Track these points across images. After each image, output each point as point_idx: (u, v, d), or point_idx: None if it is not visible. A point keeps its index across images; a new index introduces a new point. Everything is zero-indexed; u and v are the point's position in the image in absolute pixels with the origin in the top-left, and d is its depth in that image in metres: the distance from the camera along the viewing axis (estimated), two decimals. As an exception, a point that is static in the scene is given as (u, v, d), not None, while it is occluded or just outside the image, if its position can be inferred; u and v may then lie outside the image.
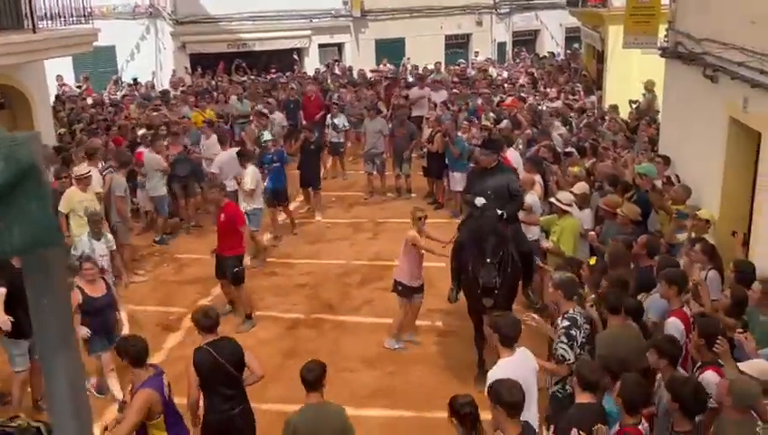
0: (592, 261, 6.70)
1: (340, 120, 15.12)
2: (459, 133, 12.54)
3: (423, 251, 7.87)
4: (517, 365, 4.84)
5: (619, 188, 8.32)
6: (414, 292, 8.06)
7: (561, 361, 5.42)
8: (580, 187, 8.52)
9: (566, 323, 5.49)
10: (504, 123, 12.51)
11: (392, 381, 7.54)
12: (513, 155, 10.64)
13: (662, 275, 5.68)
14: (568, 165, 9.79)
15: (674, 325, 5.38)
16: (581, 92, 15.82)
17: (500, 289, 6.67)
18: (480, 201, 6.95)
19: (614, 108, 13.37)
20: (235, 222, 8.68)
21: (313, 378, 4.92)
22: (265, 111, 14.24)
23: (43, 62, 12.63)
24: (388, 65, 22.26)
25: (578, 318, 5.53)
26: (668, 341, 4.92)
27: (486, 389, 4.40)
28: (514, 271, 6.98)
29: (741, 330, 5.24)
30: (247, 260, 9.16)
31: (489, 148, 7.65)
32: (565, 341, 5.41)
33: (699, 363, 4.91)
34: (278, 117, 15.37)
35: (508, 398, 4.10)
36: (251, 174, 10.24)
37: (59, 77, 17.91)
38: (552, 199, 8.13)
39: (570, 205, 7.88)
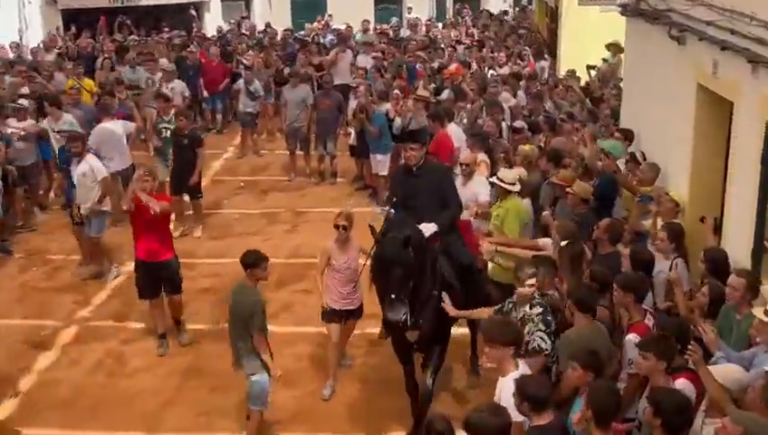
0: (563, 243, 6.82)
1: (255, 86, 14.96)
2: (388, 106, 12.54)
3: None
4: None
5: (576, 167, 8.52)
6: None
7: (538, 351, 5.53)
8: (517, 172, 8.59)
9: (539, 308, 5.67)
10: (446, 94, 12.60)
11: (314, 401, 7.52)
12: (455, 130, 10.73)
13: (617, 280, 5.79)
14: (518, 142, 9.95)
15: (631, 343, 5.44)
16: (530, 56, 16.09)
17: (423, 324, 6.41)
18: (392, 214, 6.62)
19: (572, 74, 13.65)
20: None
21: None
22: (168, 93, 13.57)
23: None
24: (321, 22, 22.06)
25: (546, 304, 5.76)
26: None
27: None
28: (443, 298, 6.46)
29: (702, 320, 5.44)
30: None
31: (415, 139, 7.04)
32: (543, 328, 5.58)
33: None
34: (178, 86, 15.01)
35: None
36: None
37: None
38: (494, 179, 8.17)
39: (513, 184, 7.96)
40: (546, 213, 8.06)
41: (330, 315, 7.61)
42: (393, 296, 6.03)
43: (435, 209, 6.71)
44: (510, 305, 5.95)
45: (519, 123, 10.59)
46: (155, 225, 8.13)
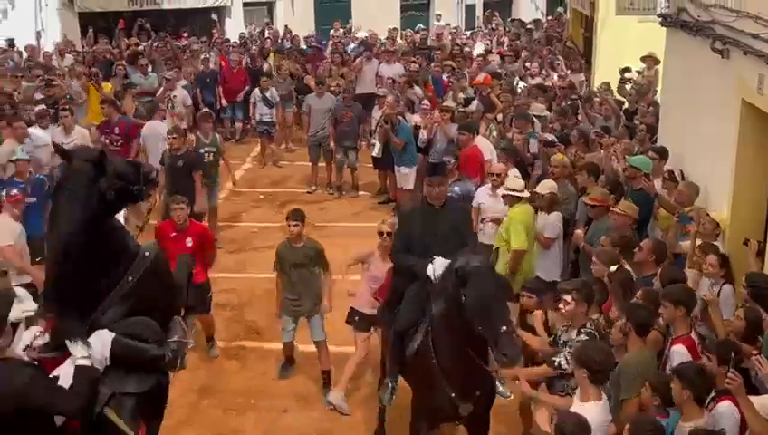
0: (614, 268, 6.80)
1: (272, 93, 15.05)
2: (415, 118, 12.58)
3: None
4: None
5: (605, 183, 8.50)
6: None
7: (555, 367, 5.73)
8: (548, 185, 8.63)
9: (584, 337, 5.74)
10: (475, 105, 12.58)
11: (332, 423, 7.50)
12: (483, 143, 10.71)
13: (666, 294, 5.79)
14: (548, 155, 9.92)
15: (678, 354, 5.49)
16: (563, 66, 16.06)
17: (481, 396, 5.79)
18: (436, 266, 5.86)
19: (607, 86, 13.60)
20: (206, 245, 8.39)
21: None
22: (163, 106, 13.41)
23: None
24: (341, 30, 22.21)
25: (594, 334, 5.81)
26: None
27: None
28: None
29: (755, 352, 5.37)
30: None
31: (441, 173, 6.58)
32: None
33: (713, 394, 5.01)
34: (179, 94, 14.90)
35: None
36: None
37: None
38: (502, 190, 8.48)
39: (522, 191, 8.28)
40: (579, 232, 8.04)
41: (359, 322, 7.65)
42: (505, 330, 5.08)
43: (454, 251, 5.91)
44: (563, 329, 6.01)
45: (549, 136, 10.54)
46: (189, 251, 7.75)
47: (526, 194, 8.35)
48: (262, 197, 13.78)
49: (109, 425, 4.52)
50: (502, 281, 5.67)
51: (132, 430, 4.60)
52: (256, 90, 15.37)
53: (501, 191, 8.67)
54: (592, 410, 5.02)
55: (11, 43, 18.57)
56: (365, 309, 7.62)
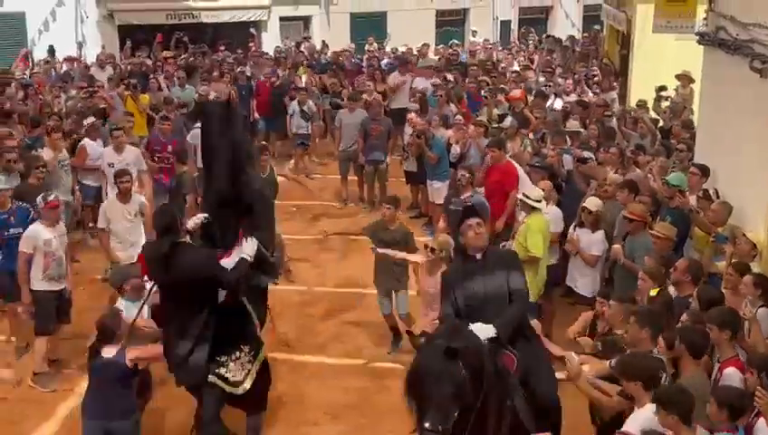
0: (654, 292, 6.78)
1: (309, 107, 15.18)
2: (446, 132, 12.60)
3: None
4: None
5: (647, 201, 8.45)
6: None
7: (628, 398, 5.58)
8: (594, 203, 8.63)
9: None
10: (509, 121, 12.57)
11: (362, 436, 7.50)
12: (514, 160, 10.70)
13: (711, 317, 5.76)
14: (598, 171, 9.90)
15: (732, 377, 5.46)
16: (598, 82, 16.01)
17: None
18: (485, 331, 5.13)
19: (643, 104, 13.52)
20: None
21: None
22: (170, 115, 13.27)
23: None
24: (375, 44, 22.35)
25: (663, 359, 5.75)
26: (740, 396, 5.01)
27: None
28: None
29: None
30: None
31: (479, 214, 5.88)
32: None
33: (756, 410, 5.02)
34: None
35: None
36: None
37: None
38: (520, 196, 8.58)
39: (539, 201, 8.38)
40: (617, 246, 8.03)
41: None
42: (428, 426, 4.43)
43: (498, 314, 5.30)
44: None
45: (586, 154, 10.48)
46: None
47: (542, 205, 8.46)
48: (294, 209, 13.84)
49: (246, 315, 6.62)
50: (435, 370, 4.55)
51: (260, 311, 6.83)
52: (294, 103, 15.50)
53: (548, 207, 8.75)
54: (649, 410, 5.04)
55: (51, 50, 18.93)
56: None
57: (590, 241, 8.52)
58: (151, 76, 16.64)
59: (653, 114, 13.53)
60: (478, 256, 5.64)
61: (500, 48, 23.16)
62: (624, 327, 6.29)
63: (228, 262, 6.30)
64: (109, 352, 6.21)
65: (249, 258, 6.32)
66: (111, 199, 9.80)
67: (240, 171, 6.58)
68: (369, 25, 24.72)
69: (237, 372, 6.47)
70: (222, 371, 6.42)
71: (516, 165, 10.35)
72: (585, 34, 24.86)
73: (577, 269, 8.72)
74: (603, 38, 21.83)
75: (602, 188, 9.23)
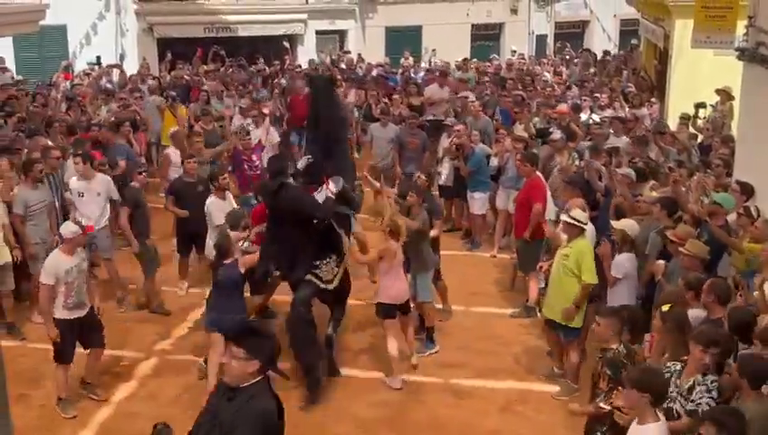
0: (666, 307, 6.69)
1: None
2: (481, 146, 12.60)
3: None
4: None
5: (689, 220, 8.30)
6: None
7: (701, 417, 5.48)
8: (626, 224, 8.51)
9: (712, 376, 5.67)
10: (558, 135, 12.52)
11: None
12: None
13: (760, 336, 5.66)
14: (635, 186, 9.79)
15: None
16: (634, 96, 15.88)
17: None
18: None
19: (687, 118, 13.39)
20: None
21: None
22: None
23: (-24, 42, 12.78)
24: (410, 59, 22.41)
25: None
26: None
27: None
28: None
29: None
30: None
31: None
32: (715, 396, 5.58)
33: None
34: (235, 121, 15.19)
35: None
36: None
37: (0, 61, 18.06)
38: (565, 217, 8.24)
39: (585, 223, 8.17)
40: (660, 262, 7.89)
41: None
42: None
43: None
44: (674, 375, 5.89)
45: (625, 170, 10.35)
46: None
47: (588, 227, 8.35)
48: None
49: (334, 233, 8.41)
50: None
51: (346, 229, 8.72)
52: None
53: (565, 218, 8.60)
54: (655, 431, 5.03)
55: (98, 60, 19.25)
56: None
57: (614, 262, 8.38)
58: (198, 88, 16.88)
59: (692, 130, 13.39)
60: None
61: (536, 63, 23.10)
62: (616, 342, 6.27)
63: (319, 196, 8.22)
64: (228, 260, 8.06)
65: (333, 194, 8.20)
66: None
67: (333, 130, 8.80)
68: (404, 39, 24.79)
69: (328, 273, 8.33)
70: (316, 271, 8.27)
71: (543, 179, 10.35)
72: (623, 50, 24.72)
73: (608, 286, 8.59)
74: (640, 53, 21.69)
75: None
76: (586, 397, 6.85)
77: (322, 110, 8.85)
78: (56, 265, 7.84)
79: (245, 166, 12.25)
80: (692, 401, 5.60)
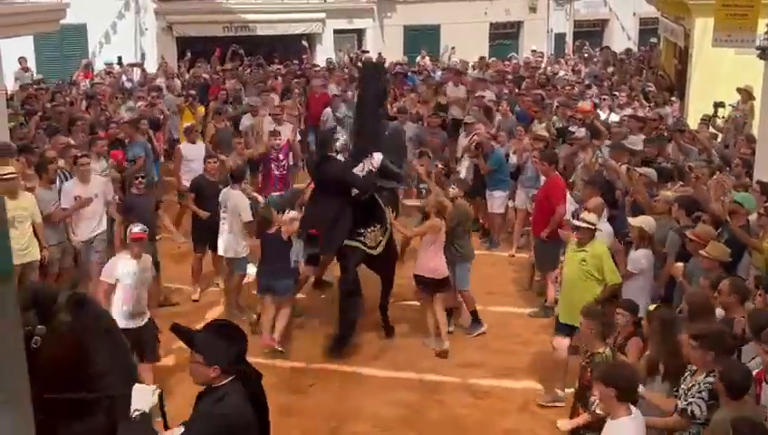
0: (652, 307, 6.66)
1: (343, 111, 15.35)
2: (498, 146, 12.57)
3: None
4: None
5: (709, 220, 8.21)
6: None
7: (689, 416, 5.54)
8: (641, 220, 8.43)
9: (712, 377, 5.60)
10: (582, 132, 12.47)
11: (412, 450, 7.47)
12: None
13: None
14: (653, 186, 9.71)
15: None
16: (654, 95, 15.78)
17: None
18: None
19: (708, 118, 13.28)
20: None
21: None
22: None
23: (-3, 41, 12.85)
24: (426, 58, 22.39)
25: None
26: None
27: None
28: None
29: None
30: None
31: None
32: (706, 397, 5.54)
33: None
34: (266, 121, 15.05)
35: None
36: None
37: (22, 59, 18.19)
38: (576, 222, 8.13)
39: (596, 225, 8.05)
40: (679, 265, 7.82)
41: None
42: None
43: None
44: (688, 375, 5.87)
45: (645, 169, 10.27)
46: None
47: (599, 230, 8.19)
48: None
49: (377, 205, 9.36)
50: None
51: (392, 202, 9.89)
52: (327, 110, 15.75)
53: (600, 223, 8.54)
54: (625, 425, 5.08)
55: (119, 60, 19.38)
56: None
57: (630, 257, 8.32)
58: (218, 86, 16.90)
59: (712, 130, 13.29)
60: None
61: (554, 61, 23.02)
62: (601, 345, 6.25)
63: (359, 171, 9.01)
64: (271, 229, 8.98)
65: (374, 168, 9.03)
66: None
67: (376, 110, 9.98)
68: (422, 38, 24.78)
69: (372, 241, 9.18)
70: (361, 238, 9.11)
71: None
72: (642, 48, 24.59)
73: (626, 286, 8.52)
74: (659, 51, 21.57)
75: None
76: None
77: (369, 91, 9.89)
78: (116, 265, 7.68)
79: (273, 165, 12.25)
80: (686, 401, 5.62)
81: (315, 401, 8.23)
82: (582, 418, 6.27)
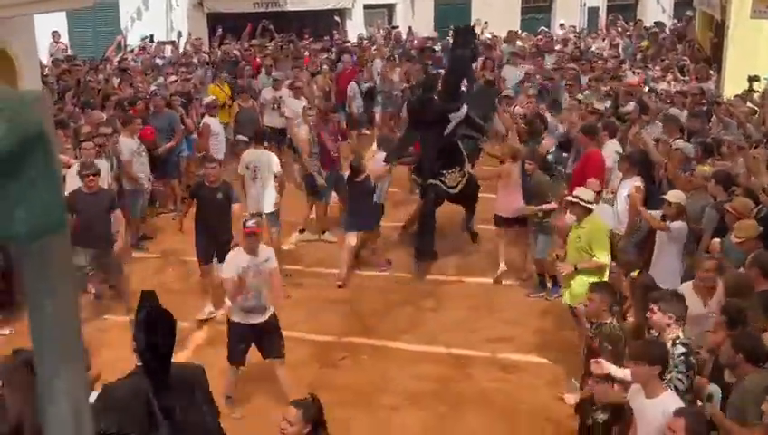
0: (635, 273, 6.68)
1: (366, 86, 15.78)
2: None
3: None
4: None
5: (742, 193, 8.11)
6: None
7: (673, 389, 5.51)
8: (675, 195, 8.35)
9: (682, 348, 5.59)
10: (632, 106, 12.32)
11: (443, 424, 7.51)
12: (611, 148, 10.40)
13: None
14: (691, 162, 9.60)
15: None
16: (691, 71, 15.53)
17: None
18: None
19: (746, 93, 13.04)
20: None
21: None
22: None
23: (32, 17, 12.94)
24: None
25: (689, 343, 5.68)
26: None
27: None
28: None
29: None
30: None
31: None
32: (684, 370, 5.53)
33: None
34: (285, 94, 14.80)
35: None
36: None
37: (55, 33, 18.34)
38: (570, 198, 8.08)
39: (591, 202, 8.00)
40: (716, 241, 7.75)
41: None
42: None
43: None
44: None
45: (681, 144, 10.12)
46: None
47: (593, 206, 8.09)
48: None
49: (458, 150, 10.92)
50: None
51: (469, 148, 11.35)
52: (353, 84, 15.88)
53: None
54: (671, 400, 5.03)
55: (151, 38, 19.51)
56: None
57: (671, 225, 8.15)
58: (243, 63, 16.91)
59: (749, 105, 13.08)
60: None
61: (587, 36, 22.77)
62: (608, 316, 6.27)
63: (453, 117, 10.44)
64: (360, 177, 10.24)
65: (461, 117, 10.46)
66: None
67: (467, 68, 11.61)
68: (453, 13, 24.59)
69: (452, 180, 10.63)
70: (441, 178, 10.55)
71: (607, 155, 10.16)
72: (676, 21, 24.22)
73: (654, 261, 8.46)
74: (694, 25, 21.24)
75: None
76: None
77: (461, 52, 11.34)
78: (234, 260, 7.43)
79: (330, 148, 11.92)
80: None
81: (345, 375, 8.30)
82: (588, 390, 6.24)
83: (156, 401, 4.30)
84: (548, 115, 12.44)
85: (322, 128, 11.79)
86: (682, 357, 5.52)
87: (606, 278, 7.78)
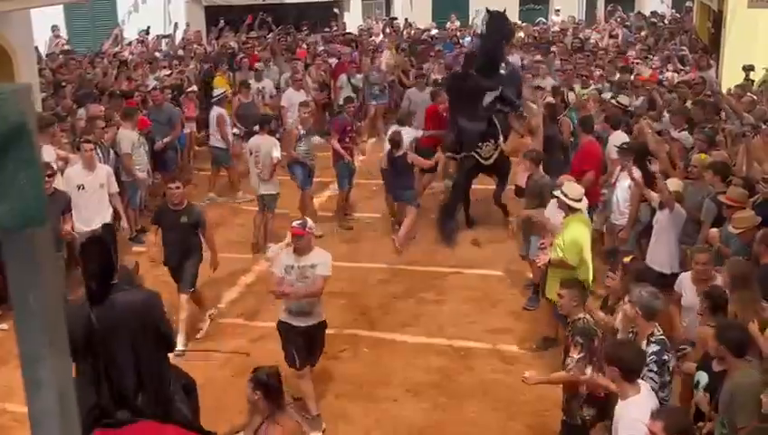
0: (628, 259, 6.64)
1: (357, 81, 15.64)
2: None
3: None
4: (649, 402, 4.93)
5: (739, 182, 8.07)
6: None
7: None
8: (673, 183, 8.33)
9: (655, 347, 5.54)
10: (641, 101, 12.26)
11: (443, 416, 7.49)
12: (618, 138, 10.31)
13: None
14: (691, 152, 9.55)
15: None
16: (690, 60, 15.48)
17: None
18: None
19: (743, 86, 13.01)
20: None
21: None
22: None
23: (29, 11, 12.90)
24: (456, 23, 22.24)
25: (666, 341, 5.64)
26: None
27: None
28: None
29: None
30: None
31: None
32: (655, 369, 5.47)
33: None
34: (267, 86, 15.32)
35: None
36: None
37: (55, 28, 18.29)
38: (557, 193, 7.87)
39: (579, 200, 7.75)
40: (714, 231, 7.73)
41: None
42: None
43: None
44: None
45: (680, 134, 10.10)
46: None
47: (580, 205, 7.82)
48: (375, 189, 13.86)
49: (493, 124, 11.56)
50: None
51: (502, 125, 11.70)
52: (343, 76, 15.94)
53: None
54: (636, 404, 4.92)
55: (147, 31, 19.46)
56: None
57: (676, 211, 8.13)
58: (240, 56, 16.84)
59: (749, 95, 13.03)
60: None
61: (585, 26, 22.70)
62: (580, 311, 6.16)
63: (487, 96, 11.34)
64: (399, 151, 10.88)
65: (497, 94, 11.35)
66: None
67: (500, 50, 12.15)
68: (451, 4, 24.53)
69: (487, 153, 11.36)
70: (478, 150, 11.32)
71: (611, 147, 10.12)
72: (674, 10, 24.16)
73: (652, 246, 8.41)
74: (693, 14, 21.19)
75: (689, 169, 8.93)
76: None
77: (496, 35, 12.05)
78: (281, 258, 7.37)
79: (347, 137, 12.11)
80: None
81: (346, 367, 8.27)
82: (556, 376, 6.20)
83: (96, 323, 4.66)
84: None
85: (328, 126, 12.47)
86: (654, 357, 5.48)
87: (590, 278, 7.74)
